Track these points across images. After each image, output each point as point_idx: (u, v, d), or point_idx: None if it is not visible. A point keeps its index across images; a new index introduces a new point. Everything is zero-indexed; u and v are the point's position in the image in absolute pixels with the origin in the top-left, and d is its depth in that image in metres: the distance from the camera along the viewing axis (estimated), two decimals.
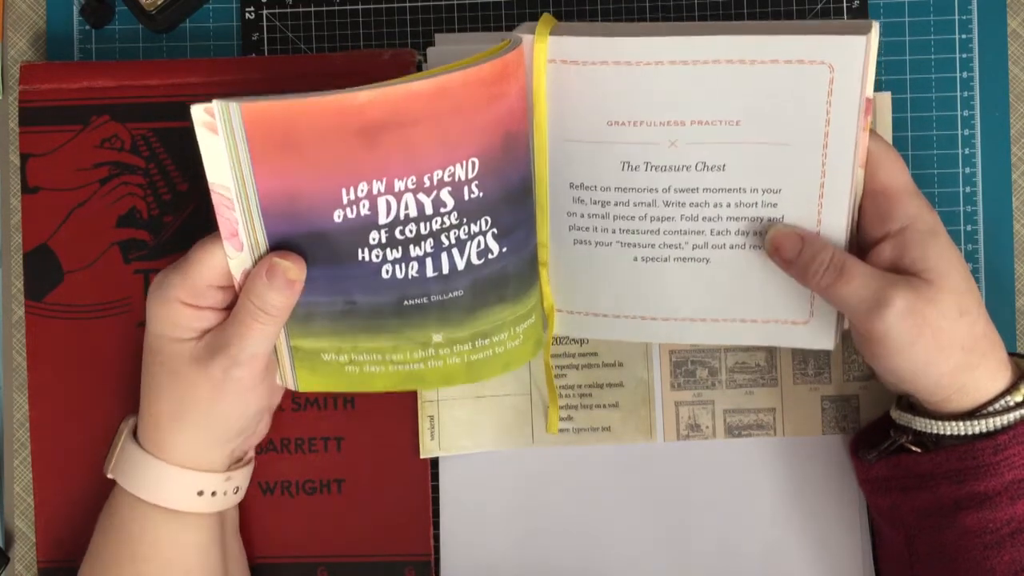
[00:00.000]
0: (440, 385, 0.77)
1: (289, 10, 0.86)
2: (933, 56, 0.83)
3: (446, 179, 0.70)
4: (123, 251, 0.83)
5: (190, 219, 0.83)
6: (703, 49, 0.70)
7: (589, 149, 0.74)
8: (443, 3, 0.85)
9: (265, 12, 0.86)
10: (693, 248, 0.75)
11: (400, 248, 0.72)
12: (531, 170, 0.74)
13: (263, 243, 0.72)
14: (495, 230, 0.73)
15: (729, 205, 0.74)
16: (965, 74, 0.83)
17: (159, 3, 0.84)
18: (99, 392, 0.83)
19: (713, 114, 0.72)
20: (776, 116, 0.71)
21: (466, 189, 0.71)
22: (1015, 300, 0.83)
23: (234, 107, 0.67)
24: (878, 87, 0.83)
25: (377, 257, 0.72)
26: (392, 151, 0.69)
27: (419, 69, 0.83)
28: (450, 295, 0.73)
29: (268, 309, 0.71)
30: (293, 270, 0.71)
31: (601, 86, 0.72)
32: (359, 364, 0.76)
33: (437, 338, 0.74)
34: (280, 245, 0.72)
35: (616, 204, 0.75)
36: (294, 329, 0.75)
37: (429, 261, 0.72)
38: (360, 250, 0.72)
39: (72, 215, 0.83)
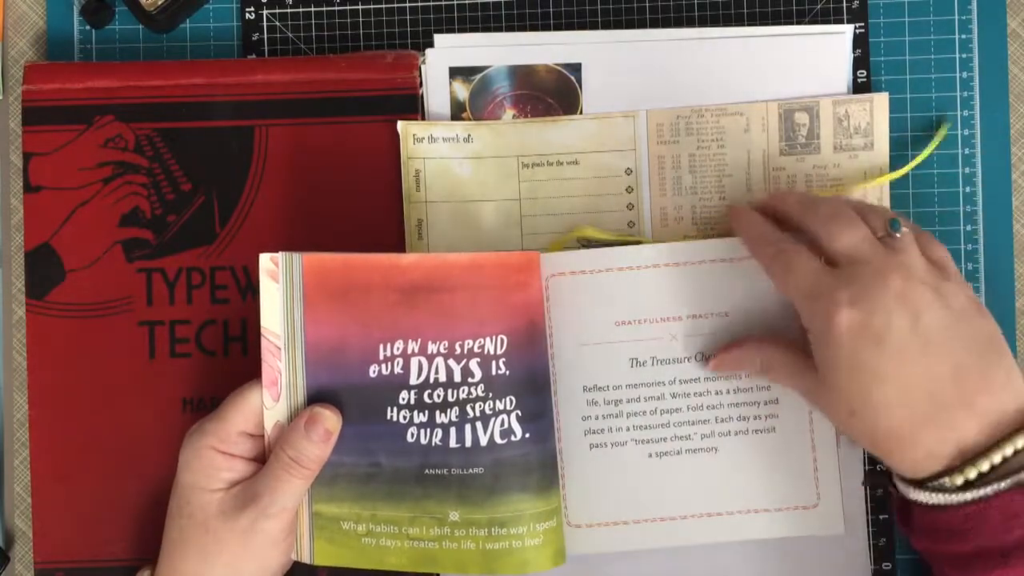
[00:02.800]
0: (453, 571, 0.77)
1: (289, 10, 0.86)
2: (933, 56, 0.83)
3: (476, 350, 0.75)
4: (126, 250, 0.83)
5: (193, 218, 0.83)
6: (691, 252, 0.79)
7: (601, 350, 0.80)
8: (443, 3, 0.85)
9: (265, 12, 0.86)
10: (702, 438, 0.80)
11: (427, 412, 0.76)
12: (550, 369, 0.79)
13: (301, 395, 0.76)
14: (519, 412, 0.76)
15: (728, 392, 0.80)
16: (965, 74, 0.83)
17: (159, 3, 0.84)
18: (99, 392, 0.83)
19: (705, 308, 0.79)
20: (758, 305, 0.79)
21: (494, 364, 0.75)
22: (1015, 300, 0.83)
23: (296, 257, 0.75)
24: (878, 87, 0.83)
25: (404, 418, 0.76)
26: (428, 313, 0.75)
27: (421, 72, 0.83)
28: (470, 471, 0.76)
29: (303, 461, 0.74)
30: (332, 420, 0.74)
31: (608, 290, 0.79)
32: (376, 536, 0.77)
33: (454, 516, 0.76)
34: (316, 400, 0.76)
35: (628, 401, 0.80)
36: (318, 492, 0.77)
37: (453, 431, 0.76)
38: (389, 409, 0.76)
39: (75, 214, 0.83)
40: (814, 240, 0.74)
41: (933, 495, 0.70)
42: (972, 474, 0.68)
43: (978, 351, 0.70)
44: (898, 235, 0.72)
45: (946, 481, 0.69)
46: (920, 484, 0.70)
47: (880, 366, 0.69)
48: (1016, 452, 0.68)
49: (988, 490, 0.68)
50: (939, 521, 0.70)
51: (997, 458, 0.68)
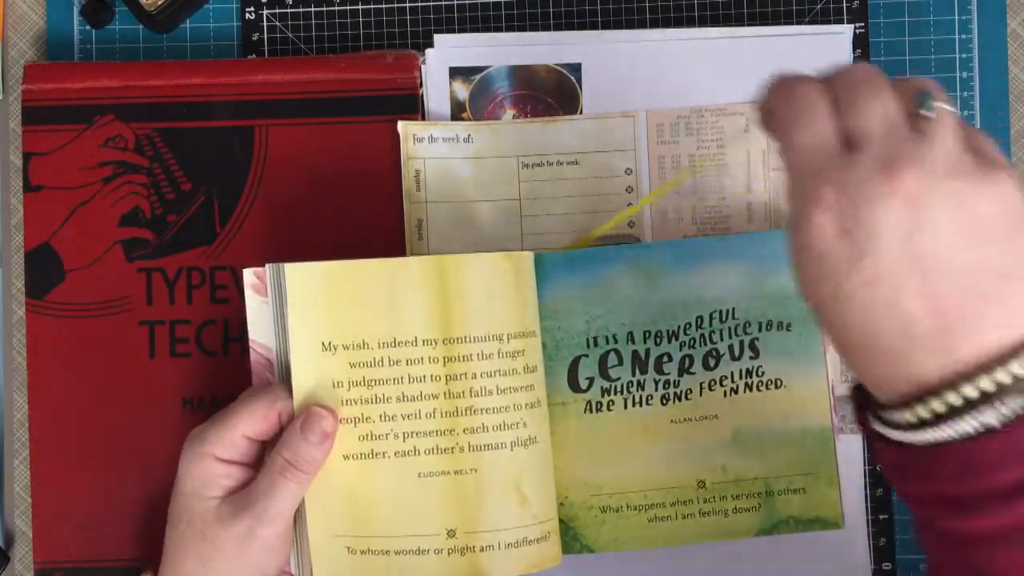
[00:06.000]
0: None
1: (289, 10, 0.86)
2: (933, 56, 0.83)
3: None
4: (126, 250, 0.83)
5: (193, 218, 0.83)
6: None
7: None
8: (443, 3, 0.85)
9: (265, 12, 0.86)
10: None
11: None
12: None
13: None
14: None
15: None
16: (965, 74, 0.83)
17: (159, 3, 0.84)
18: (99, 392, 0.83)
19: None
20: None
21: None
22: None
23: (282, 268, 0.74)
24: None
25: None
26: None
27: (421, 72, 0.83)
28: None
29: (299, 463, 0.73)
30: (328, 420, 0.73)
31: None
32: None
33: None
34: None
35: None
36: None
37: None
38: None
39: (75, 214, 0.83)
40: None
41: (882, 425, 0.60)
42: (924, 413, 0.57)
43: (979, 284, 0.56)
44: (930, 115, 0.57)
45: (905, 415, 0.58)
46: (879, 408, 0.60)
47: (845, 286, 0.56)
48: (970, 401, 0.56)
49: (929, 436, 0.57)
50: (893, 455, 0.60)
51: (952, 400, 0.56)
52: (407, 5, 0.85)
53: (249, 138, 0.83)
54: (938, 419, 0.57)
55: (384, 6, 0.85)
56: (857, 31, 0.83)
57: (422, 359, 0.74)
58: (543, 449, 0.77)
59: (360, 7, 0.85)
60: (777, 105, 0.60)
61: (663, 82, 0.83)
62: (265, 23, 0.86)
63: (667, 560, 0.82)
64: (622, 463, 0.79)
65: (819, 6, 0.84)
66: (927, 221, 0.55)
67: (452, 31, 0.85)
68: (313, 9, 0.85)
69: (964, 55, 0.83)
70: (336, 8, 0.85)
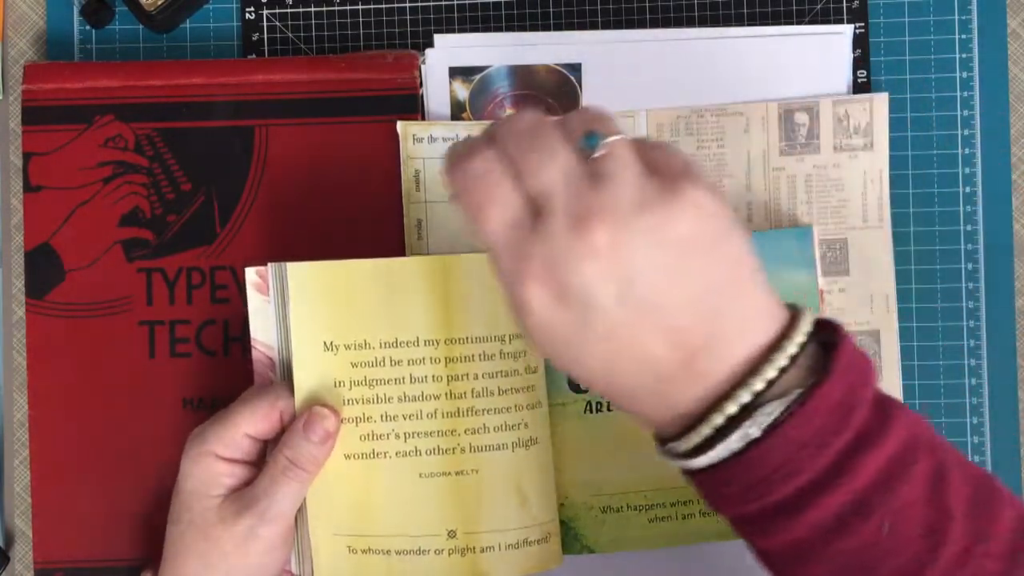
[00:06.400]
0: None
1: (289, 10, 0.86)
2: (933, 56, 0.83)
3: None
4: (125, 250, 0.83)
5: (193, 218, 0.83)
6: None
7: None
8: (443, 3, 0.85)
9: (265, 12, 0.86)
10: None
11: None
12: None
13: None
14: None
15: None
16: (965, 74, 0.83)
17: (159, 3, 0.84)
18: (99, 392, 0.83)
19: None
20: None
21: None
22: (1015, 300, 0.83)
23: (284, 267, 0.75)
24: (878, 87, 0.83)
25: None
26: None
27: (421, 72, 0.83)
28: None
29: (301, 462, 0.73)
30: (331, 419, 0.73)
31: None
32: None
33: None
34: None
35: None
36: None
37: None
38: None
39: (75, 214, 0.83)
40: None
41: (672, 458, 0.60)
42: (697, 440, 0.57)
43: (705, 304, 0.56)
44: (598, 155, 0.56)
45: (682, 445, 0.59)
46: (666, 442, 0.61)
47: (580, 349, 0.57)
48: (734, 417, 0.57)
49: (704, 460, 0.58)
50: (696, 484, 0.61)
51: (717, 421, 0.57)
52: (407, 5, 0.85)
53: (249, 138, 0.83)
54: (711, 442, 0.57)
55: (384, 6, 0.85)
56: (857, 31, 0.83)
57: (423, 359, 0.74)
58: (544, 450, 0.77)
59: (360, 7, 0.85)
60: (457, 186, 0.58)
61: (663, 82, 0.83)
62: (265, 23, 0.86)
63: (667, 560, 0.82)
64: (622, 463, 0.79)
65: (819, 6, 0.84)
66: (633, 267, 0.54)
67: (452, 31, 0.85)
68: (313, 9, 0.85)
69: (964, 55, 0.83)
70: (336, 8, 0.85)
